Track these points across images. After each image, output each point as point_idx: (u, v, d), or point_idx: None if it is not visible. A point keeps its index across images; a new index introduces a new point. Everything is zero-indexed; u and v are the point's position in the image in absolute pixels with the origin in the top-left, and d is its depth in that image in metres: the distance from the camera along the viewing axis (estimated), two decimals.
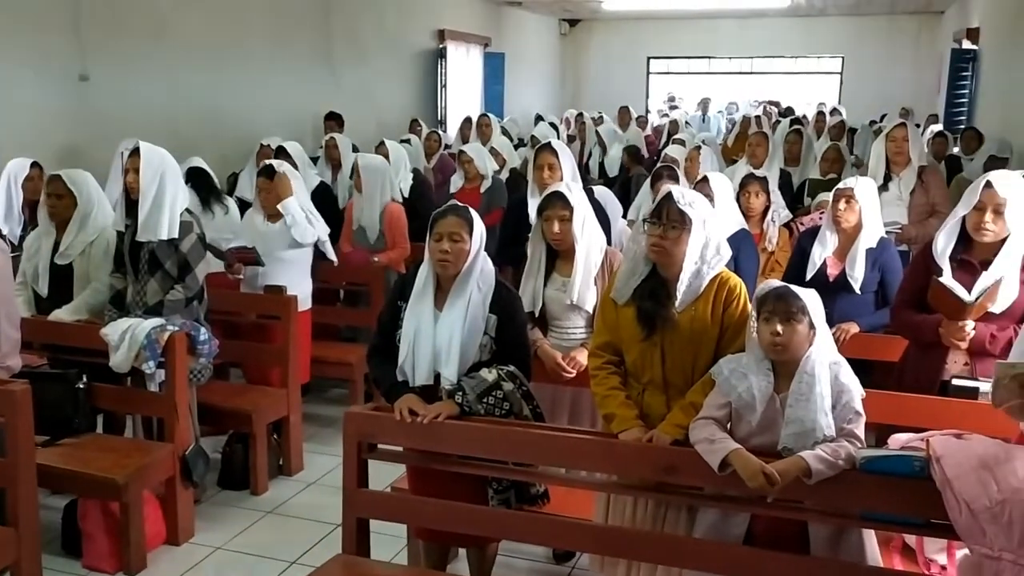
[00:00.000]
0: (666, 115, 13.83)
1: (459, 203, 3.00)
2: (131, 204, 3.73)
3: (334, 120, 8.32)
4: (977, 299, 2.96)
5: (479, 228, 2.89)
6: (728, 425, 2.49)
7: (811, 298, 2.42)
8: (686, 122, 11.90)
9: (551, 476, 2.86)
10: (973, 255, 3.10)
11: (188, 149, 6.51)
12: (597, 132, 9.64)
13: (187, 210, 3.81)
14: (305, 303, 4.63)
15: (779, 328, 2.36)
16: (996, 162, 6.42)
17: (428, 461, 2.84)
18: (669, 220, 2.59)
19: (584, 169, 8.50)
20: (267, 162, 4.80)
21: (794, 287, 2.44)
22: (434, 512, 2.83)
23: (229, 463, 4.23)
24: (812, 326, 2.40)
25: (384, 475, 3.31)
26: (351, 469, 2.82)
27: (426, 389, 2.87)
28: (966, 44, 10.48)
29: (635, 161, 8.34)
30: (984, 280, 3.00)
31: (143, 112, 6.68)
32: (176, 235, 3.69)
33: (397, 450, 2.92)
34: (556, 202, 3.27)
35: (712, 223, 2.65)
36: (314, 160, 7.13)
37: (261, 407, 4.20)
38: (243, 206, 5.70)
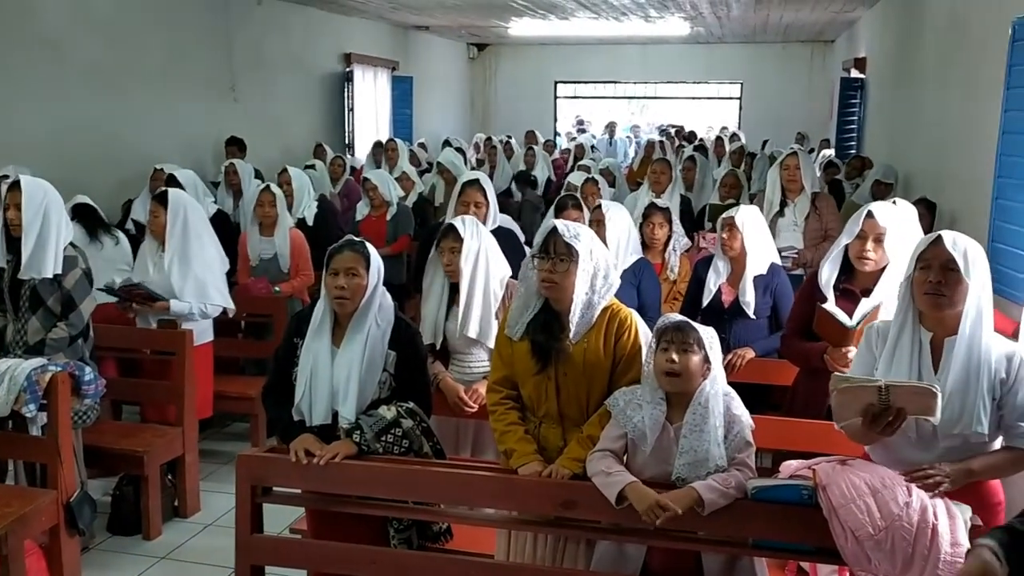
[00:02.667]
0: (574, 138, 14.05)
1: (355, 237, 2.96)
2: (11, 239, 3.57)
3: (235, 145, 8.11)
4: (858, 324, 3.05)
5: (376, 262, 2.86)
6: (625, 457, 2.51)
7: (708, 333, 2.48)
8: (592, 146, 12.10)
9: (451, 514, 2.82)
10: (855, 284, 3.21)
11: (81, 174, 6.28)
12: (532, 148, 9.81)
13: (72, 244, 3.65)
14: (205, 336, 4.48)
15: (674, 357, 2.41)
16: (881, 187, 6.69)
17: (326, 503, 2.78)
18: (557, 254, 2.61)
19: (507, 193, 8.60)
20: (162, 189, 4.65)
21: (694, 323, 2.49)
22: (332, 556, 2.76)
23: (119, 507, 4.06)
24: (707, 360, 2.45)
25: (284, 515, 3.22)
26: (244, 515, 2.75)
27: (324, 428, 2.81)
28: (854, 73, 10.95)
29: (527, 185, 8.42)
30: (864, 306, 3.10)
31: (32, 136, 6.37)
32: (60, 271, 3.54)
33: (294, 492, 2.84)
34: (449, 234, 3.30)
35: (599, 253, 2.68)
36: (215, 185, 6.97)
37: (154, 447, 4.03)
38: (140, 229, 5.52)
